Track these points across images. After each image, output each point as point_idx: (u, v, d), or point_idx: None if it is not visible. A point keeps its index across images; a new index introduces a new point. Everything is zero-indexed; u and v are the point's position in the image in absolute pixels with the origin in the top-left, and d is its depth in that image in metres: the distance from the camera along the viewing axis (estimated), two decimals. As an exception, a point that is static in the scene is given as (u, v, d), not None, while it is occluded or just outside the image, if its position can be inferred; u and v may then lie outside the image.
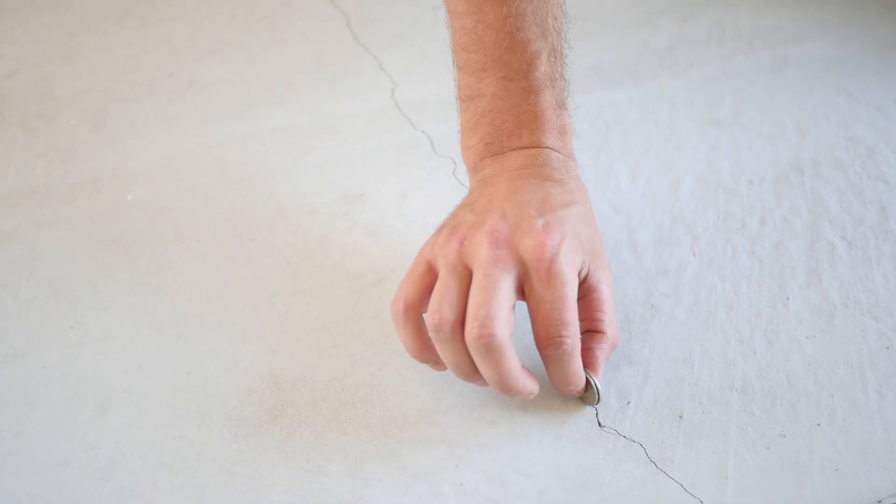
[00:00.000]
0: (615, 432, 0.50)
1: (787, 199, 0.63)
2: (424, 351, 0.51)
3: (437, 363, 0.52)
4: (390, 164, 0.67)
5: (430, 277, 0.51)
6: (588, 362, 0.51)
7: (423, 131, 0.69)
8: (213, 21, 0.82)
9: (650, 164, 0.66)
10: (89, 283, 0.59)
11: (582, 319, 0.52)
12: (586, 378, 0.51)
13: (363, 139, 0.69)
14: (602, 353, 0.52)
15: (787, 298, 0.56)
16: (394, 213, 0.63)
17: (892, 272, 0.57)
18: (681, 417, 0.50)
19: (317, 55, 0.78)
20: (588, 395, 0.52)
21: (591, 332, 0.52)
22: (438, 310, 0.48)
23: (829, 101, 0.70)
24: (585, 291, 0.52)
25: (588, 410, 0.51)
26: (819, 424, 0.50)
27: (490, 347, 0.47)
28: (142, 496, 0.48)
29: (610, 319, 0.52)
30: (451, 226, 0.52)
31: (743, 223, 0.61)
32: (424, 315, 0.50)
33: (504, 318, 0.47)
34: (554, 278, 0.48)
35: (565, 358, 0.49)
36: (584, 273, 0.51)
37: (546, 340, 0.49)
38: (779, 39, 0.77)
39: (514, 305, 0.49)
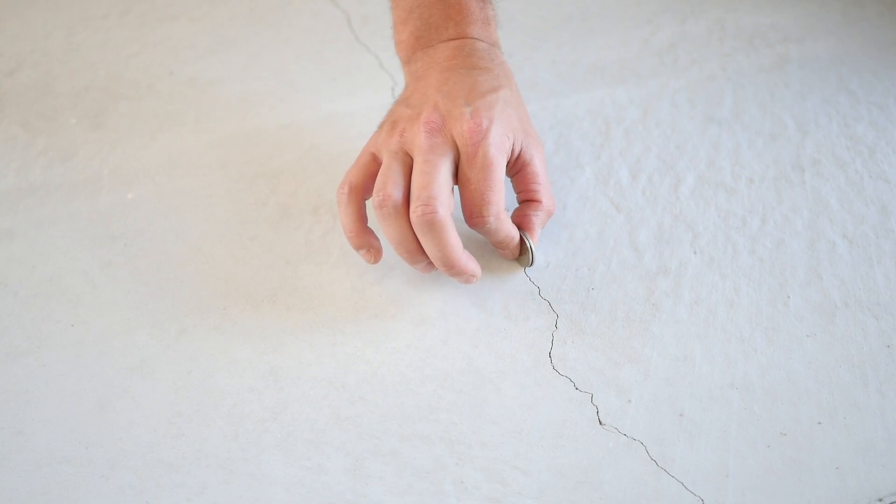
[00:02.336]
0: (616, 430, 0.50)
1: (787, 197, 0.63)
2: (361, 234, 0.56)
3: (369, 251, 0.56)
4: (391, 162, 0.67)
5: (374, 166, 0.56)
6: (525, 227, 0.58)
7: (423, 130, 0.69)
8: (214, 19, 0.82)
9: (651, 163, 0.66)
10: (90, 282, 0.59)
11: (519, 191, 0.59)
12: (522, 240, 0.57)
13: (364, 137, 0.69)
14: (537, 219, 0.58)
15: (788, 297, 0.56)
16: (394, 211, 0.63)
17: (892, 271, 0.57)
18: (681, 416, 0.50)
19: (317, 53, 0.78)
20: (523, 257, 0.58)
21: (528, 201, 0.58)
22: (383, 188, 0.54)
23: (829, 99, 0.70)
24: (521, 167, 0.58)
25: (588, 409, 0.51)
26: (820, 423, 0.50)
27: (433, 224, 0.52)
28: (143, 494, 0.48)
29: (545, 189, 0.58)
30: (390, 121, 0.57)
31: (744, 222, 0.61)
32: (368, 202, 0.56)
33: (445, 198, 0.53)
34: (480, 160, 0.54)
35: (491, 232, 0.55)
36: (516, 151, 0.57)
37: (471, 219, 0.55)
38: (779, 38, 0.77)
39: (452, 188, 0.54)
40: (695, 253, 0.59)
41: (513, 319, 0.56)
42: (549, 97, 0.71)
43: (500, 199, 0.54)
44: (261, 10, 0.83)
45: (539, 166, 0.58)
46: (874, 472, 0.47)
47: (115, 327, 0.56)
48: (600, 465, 0.48)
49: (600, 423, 0.50)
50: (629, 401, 0.51)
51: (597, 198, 0.63)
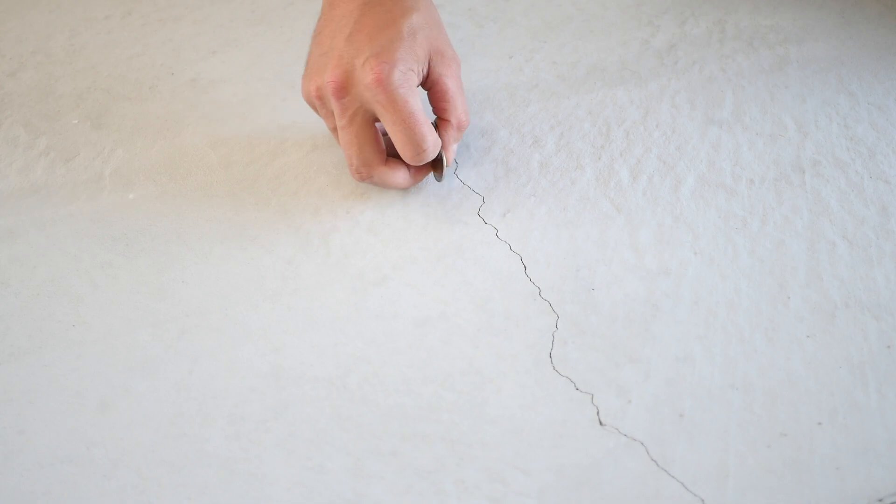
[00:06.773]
0: (616, 431, 0.50)
1: (787, 198, 0.63)
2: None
3: (424, 166, 0.62)
4: (392, 163, 0.67)
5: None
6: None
7: (424, 130, 0.69)
8: (216, 21, 0.82)
9: (651, 164, 0.66)
10: (91, 282, 0.59)
11: (433, 108, 0.61)
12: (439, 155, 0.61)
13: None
14: (449, 137, 0.61)
15: (788, 297, 0.56)
16: (394, 211, 0.63)
17: (892, 271, 0.57)
18: (682, 416, 0.50)
19: (318, 55, 0.78)
20: (437, 168, 0.62)
21: (439, 119, 0.61)
22: (352, 167, 0.60)
23: (829, 100, 0.70)
24: (430, 86, 0.60)
25: (588, 410, 0.51)
26: (820, 423, 0.50)
27: (374, 180, 0.60)
28: (144, 493, 0.48)
29: (453, 107, 0.61)
30: (307, 66, 0.61)
31: (744, 222, 0.61)
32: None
33: (371, 157, 0.59)
34: (395, 104, 0.56)
35: (430, 158, 0.60)
36: (424, 72, 0.59)
37: (413, 158, 0.58)
38: (779, 39, 0.77)
39: (377, 131, 0.59)
40: (695, 254, 0.59)
41: (513, 320, 0.56)
42: (550, 98, 0.71)
43: (430, 127, 0.58)
44: (262, 11, 0.83)
45: (448, 83, 0.60)
46: (874, 472, 0.48)
47: (116, 327, 0.56)
48: (600, 466, 0.48)
49: (600, 423, 0.50)
50: (629, 401, 0.51)
51: (597, 198, 0.63)
